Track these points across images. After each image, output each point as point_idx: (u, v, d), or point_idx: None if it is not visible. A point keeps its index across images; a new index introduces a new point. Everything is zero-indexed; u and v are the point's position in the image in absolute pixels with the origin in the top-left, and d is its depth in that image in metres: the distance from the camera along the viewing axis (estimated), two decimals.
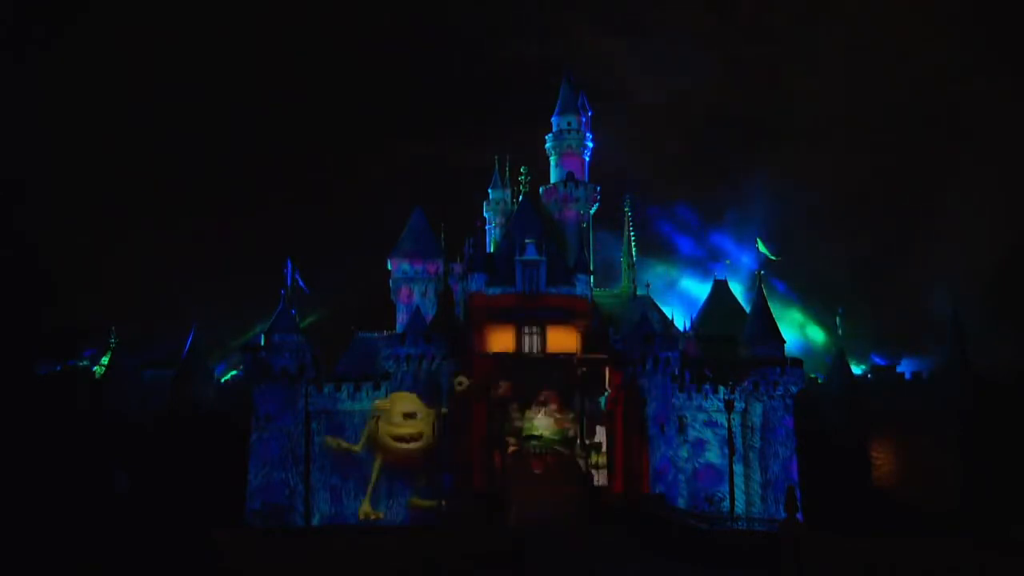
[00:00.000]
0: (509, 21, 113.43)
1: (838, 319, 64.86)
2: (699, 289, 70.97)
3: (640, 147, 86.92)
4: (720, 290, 67.31)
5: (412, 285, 62.65)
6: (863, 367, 65.23)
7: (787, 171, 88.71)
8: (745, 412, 58.33)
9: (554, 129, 67.54)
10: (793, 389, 58.08)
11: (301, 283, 57.62)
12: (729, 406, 54.69)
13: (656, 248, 73.27)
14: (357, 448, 55.95)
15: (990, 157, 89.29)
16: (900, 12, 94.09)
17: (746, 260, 68.28)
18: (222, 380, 64.24)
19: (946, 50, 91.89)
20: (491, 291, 57.42)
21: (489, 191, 68.79)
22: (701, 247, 73.23)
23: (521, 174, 64.87)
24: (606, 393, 56.05)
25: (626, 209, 66.78)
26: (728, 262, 68.69)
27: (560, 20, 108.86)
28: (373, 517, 55.64)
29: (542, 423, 55.21)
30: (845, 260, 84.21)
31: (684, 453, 57.70)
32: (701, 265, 72.01)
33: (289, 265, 57.56)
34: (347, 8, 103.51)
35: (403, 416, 55.29)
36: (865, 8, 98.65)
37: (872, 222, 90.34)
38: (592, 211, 67.04)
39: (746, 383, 57.82)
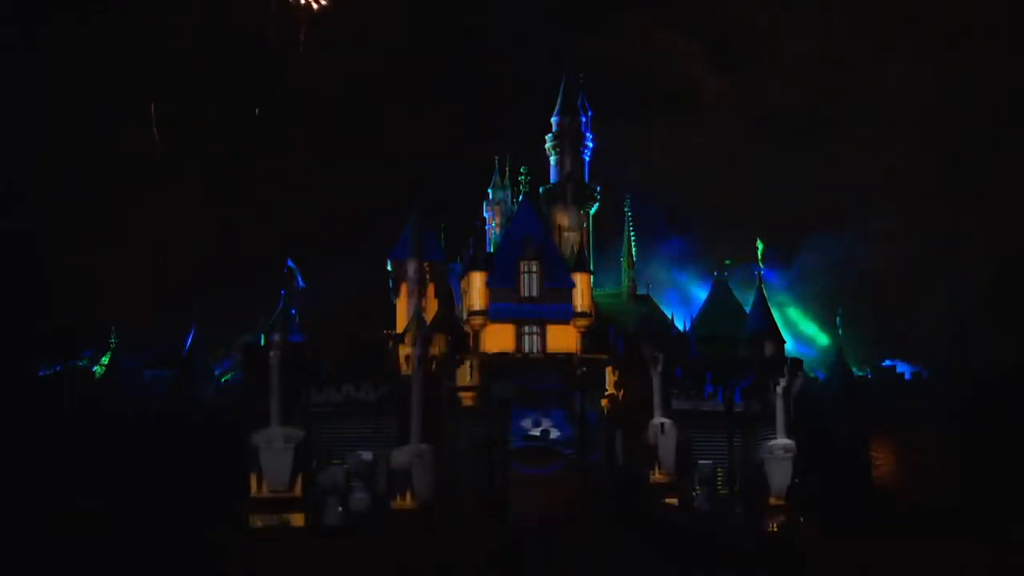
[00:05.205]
0: (511, 19, 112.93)
1: (838, 319, 64.79)
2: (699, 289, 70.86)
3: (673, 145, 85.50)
4: (720, 290, 67.22)
5: (412, 285, 62.43)
6: (867, 370, 65.05)
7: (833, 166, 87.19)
8: (745, 412, 58.27)
9: (554, 129, 67.50)
10: (793, 389, 58.02)
11: (298, 277, 57.52)
12: (729, 406, 54.58)
13: (658, 248, 73.05)
14: None
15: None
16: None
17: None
18: (222, 380, 64.10)
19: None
20: (491, 291, 57.45)
21: (489, 191, 68.64)
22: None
23: (521, 174, 64.84)
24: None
25: (626, 209, 66.78)
26: (729, 262, 68.55)
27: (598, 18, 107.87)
28: None
29: (542, 423, 55.19)
30: (855, 261, 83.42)
31: None
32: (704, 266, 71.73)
33: (290, 264, 57.50)
34: (346, 5, 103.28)
35: None
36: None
37: (889, 224, 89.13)
38: (592, 211, 67.00)
39: (746, 383, 57.78)
